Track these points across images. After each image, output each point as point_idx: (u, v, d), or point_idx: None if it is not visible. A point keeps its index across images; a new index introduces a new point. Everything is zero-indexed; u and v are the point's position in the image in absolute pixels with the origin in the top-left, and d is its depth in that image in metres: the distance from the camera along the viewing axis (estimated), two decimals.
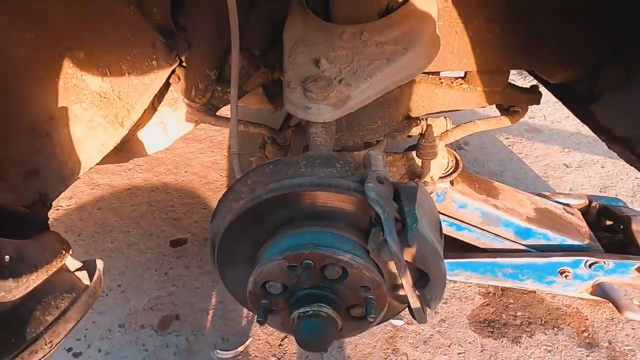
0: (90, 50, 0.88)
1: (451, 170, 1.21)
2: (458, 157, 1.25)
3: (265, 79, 1.16)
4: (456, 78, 1.14)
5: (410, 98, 1.01)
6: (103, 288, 0.92)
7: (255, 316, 0.65)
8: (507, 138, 2.25)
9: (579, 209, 1.46)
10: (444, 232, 1.29)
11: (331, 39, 0.78)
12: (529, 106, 1.17)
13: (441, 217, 1.25)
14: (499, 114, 1.19)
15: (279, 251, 0.61)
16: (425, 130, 0.96)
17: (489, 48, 0.99)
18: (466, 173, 1.33)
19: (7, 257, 0.68)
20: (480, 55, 1.01)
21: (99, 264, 0.90)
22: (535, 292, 1.37)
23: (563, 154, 2.10)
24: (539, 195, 1.44)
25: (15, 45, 0.73)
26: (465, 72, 1.10)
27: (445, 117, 1.22)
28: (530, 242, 1.27)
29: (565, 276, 1.23)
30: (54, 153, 0.86)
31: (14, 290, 0.69)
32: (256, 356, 1.21)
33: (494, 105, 1.18)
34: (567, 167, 2.00)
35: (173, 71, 1.09)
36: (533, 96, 1.11)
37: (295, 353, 1.22)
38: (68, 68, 0.85)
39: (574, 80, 1.07)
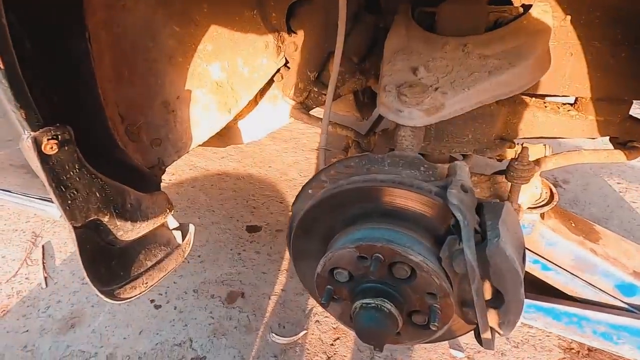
0: (217, 44, 1.03)
1: (543, 203, 1.11)
2: (553, 190, 1.14)
3: (358, 85, 1.21)
4: (564, 103, 1.05)
5: (507, 117, 0.97)
6: (188, 253, 1.05)
7: (312, 311, 0.69)
8: (618, 183, 1.96)
9: None
10: (526, 269, 1.18)
11: (432, 49, 0.79)
12: None
13: (528, 253, 1.16)
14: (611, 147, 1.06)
15: (351, 240, 0.64)
16: (520, 152, 0.91)
17: (610, 74, 0.90)
18: (561, 209, 1.20)
19: (129, 204, 0.82)
20: (598, 82, 0.93)
21: (191, 228, 1.03)
22: None
23: None
24: None
25: (167, 36, 0.90)
26: (576, 98, 1.01)
27: (544, 145, 1.13)
28: (634, 300, 1.09)
29: None
30: (175, 127, 1.01)
31: (129, 232, 0.83)
32: (308, 349, 1.24)
33: (606, 138, 1.06)
34: None
35: (278, 70, 1.21)
36: None
37: (345, 356, 1.22)
38: (198, 58, 1.01)
39: None
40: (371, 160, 0.69)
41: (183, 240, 1.00)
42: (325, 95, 1.22)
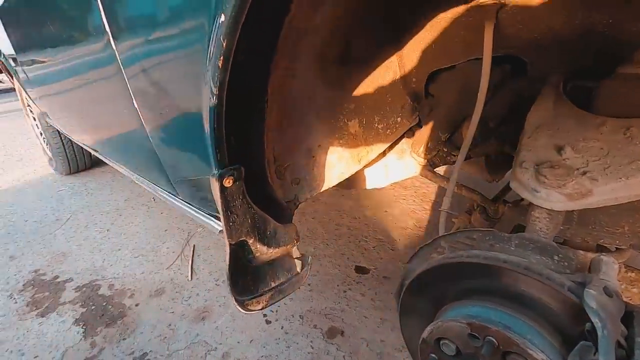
0: (358, 104, 1.18)
1: None
2: None
3: (491, 150, 1.18)
4: None
5: None
6: (305, 281, 1.16)
7: None
8: None
9: None
10: None
11: (584, 129, 0.74)
12: None
13: None
14: None
15: (465, 315, 0.63)
16: None
17: None
18: None
19: (269, 231, 0.99)
20: None
21: (310, 260, 1.16)
22: None
23: None
24: None
25: (320, 96, 1.08)
26: None
27: None
28: None
29: None
30: (313, 170, 1.18)
31: (264, 255, 0.99)
32: None
33: None
34: None
35: (410, 128, 1.28)
36: None
37: None
38: (341, 114, 1.17)
39: None
40: (496, 238, 0.67)
41: (302, 270, 1.12)
42: (453, 155, 1.23)
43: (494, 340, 0.59)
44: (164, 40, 0.76)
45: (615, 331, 0.51)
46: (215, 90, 0.64)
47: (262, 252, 0.97)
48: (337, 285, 1.74)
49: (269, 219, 0.97)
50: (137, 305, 1.68)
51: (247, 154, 0.96)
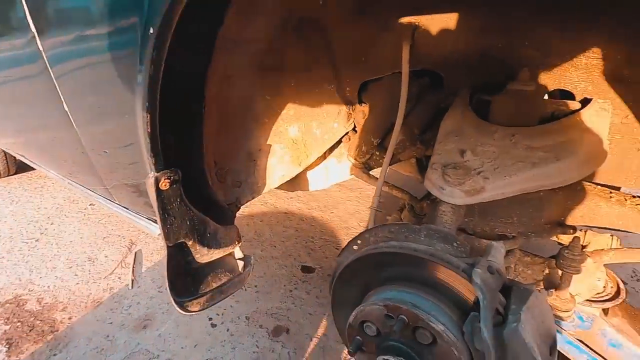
0: (298, 110, 1.24)
1: (606, 298, 1.04)
2: (621, 286, 1.06)
3: (418, 154, 1.31)
4: (634, 196, 1.01)
5: (562, 204, 0.97)
6: (247, 282, 1.19)
7: None
8: None
9: None
10: None
11: (482, 135, 0.87)
12: None
13: (586, 350, 1.07)
14: None
15: (381, 298, 0.72)
16: (571, 241, 0.90)
17: None
18: (632, 308, 1.10)
19: (208, 233, 1.02)
20: None
21: (252, 260, 1.19)
22: None
23: None
24: None
25: (259, 102, 1.13)
26: None
27: (612, 236, 1.08)
28: None
29: None
30: (254, 174, 1.22)
31: (204, 256, 1.01)
32: None
33: None
34: None
35: (346, 133, 1.38)
36: None
37: None
38: (281, 120, 1.23)
39: None
40: (409, 230, 0.77)
41: (244, 270, 1.16)
42: (384, 158, 1.34)
43: (405, 318, 0.68)
44: (96, 41, 0.75)
45: (494, 301, 0.62)
46: (147, 96, 0.66)
47: (202, 253, 0.99)
48: (284, 285, 1.79)
49: (209, 220, 0.99)
50: (70, 318, 1.59)
51: (186, 158, 0.98)
